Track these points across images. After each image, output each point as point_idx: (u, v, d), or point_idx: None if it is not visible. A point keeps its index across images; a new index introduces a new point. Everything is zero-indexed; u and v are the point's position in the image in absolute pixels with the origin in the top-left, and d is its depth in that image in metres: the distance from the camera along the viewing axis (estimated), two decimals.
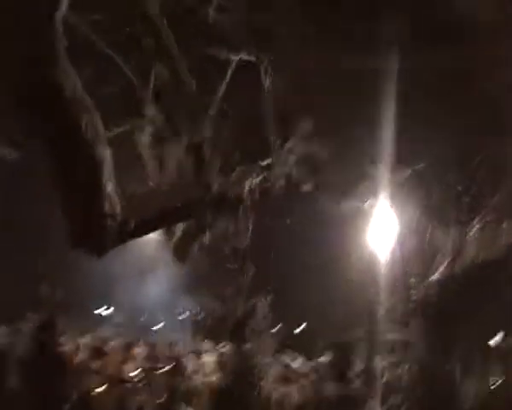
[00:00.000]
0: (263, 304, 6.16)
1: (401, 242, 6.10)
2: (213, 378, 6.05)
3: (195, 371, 6.46)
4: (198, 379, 6.22)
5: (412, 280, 5.88)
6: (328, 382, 7.97)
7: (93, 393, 7.39)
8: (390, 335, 8.26)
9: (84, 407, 6.99)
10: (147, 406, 8.21)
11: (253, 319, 6.12)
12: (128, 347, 10.55)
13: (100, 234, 3.49)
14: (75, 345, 10.94)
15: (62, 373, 5.65)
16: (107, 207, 3.44)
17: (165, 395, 6.89)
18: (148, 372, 8.76)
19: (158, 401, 7.67)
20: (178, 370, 8.68)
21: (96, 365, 9.30)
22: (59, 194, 3.33)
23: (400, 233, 6.22)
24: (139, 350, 9.90)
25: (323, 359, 8.43)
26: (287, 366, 8.77)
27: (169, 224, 5.26)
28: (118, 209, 3.57)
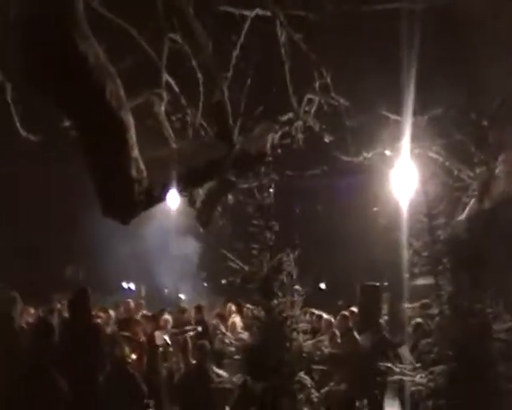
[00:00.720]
0: (289, 260, 6.21)
1: (426, 185, 6.13)
2: (243, 337, 6.17)
3: (224, 333, 6.61)
4: (227, 340, 6.35)
5: (439, 221, 5.89)
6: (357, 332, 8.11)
7: (126, 361, 7.61)
8: (418, 278, 8.37)
9: (117, 376, 7.20)
10: (178, 369, 8.47)
11: (280, 276, 6.17)
12: (157, 315, 10.84)
13: (127, 200, 3.54)
14: (106, 317, 11.28)
15: (96, 344, 5.78)
16: (133, 172, 3.47)
17: (196, 358, 7.06)
18: (178, 337, 9.01)
19: (188, 365, 7.89)
20: (207, 332, 8.89)
21: (126, 334, 9.59)
22: (86, 161, 3.36)
23: (424, 176, 6.25)
24: (167, 317, 10.16)
25: (352, 309, 8.57)
26: (317, 318, 8.92)
27: (193, 185, 5.30)
28: (144, 174, 3.60)
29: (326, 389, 6.14)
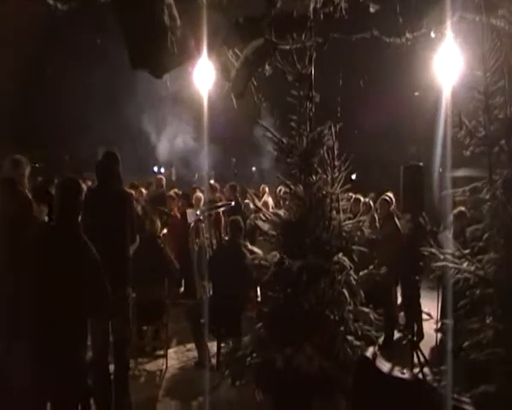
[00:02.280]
0: (330, 134, 5.74)
1: (485, 57, 5.48)
2: (280, 213, 5.86)
3: (260, 208, 6.30)
4: (263, 215, 6.04)
5: (498, 99, 5.31)
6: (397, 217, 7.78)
7: (156, 235, 7.51)
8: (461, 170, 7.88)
9: (148, 250, 7.11)
10: (210, 246, 8.36)
11: (320, 150, 5.75)
12: (190, 193, 10.68)
13: (159, 48, 3.13)
14: (137, 193, 11.21)
15: (125, 211, 5.49)
16: (166, 18, 2.98)
17: (229, 234, 6.88)
18: (210, 213, 8.83)
19: (221, 240, 7.79)
20: (240, 209, 8.67)
21: (161, 208, 9.49)
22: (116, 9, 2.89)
23: (483, 49, 5.59)
24: (200, 194, 9.97)
25: (391, 195, 8.20)
26: (355, 201, 8.60)
27: (230, 44, 4.78)
28: (177, 22, 3.10)
29: (365, 272, 5.87)
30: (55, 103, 24.84)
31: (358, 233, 5.93)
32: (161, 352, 7.28)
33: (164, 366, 7.04)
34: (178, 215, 9.74)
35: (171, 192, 11.21)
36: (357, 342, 5.63)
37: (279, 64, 6.00)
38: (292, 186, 5.78)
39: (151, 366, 7.09)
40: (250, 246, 6.29)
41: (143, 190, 12.47)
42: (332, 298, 5.47)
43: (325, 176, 5.76)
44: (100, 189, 5.28)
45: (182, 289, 9.55)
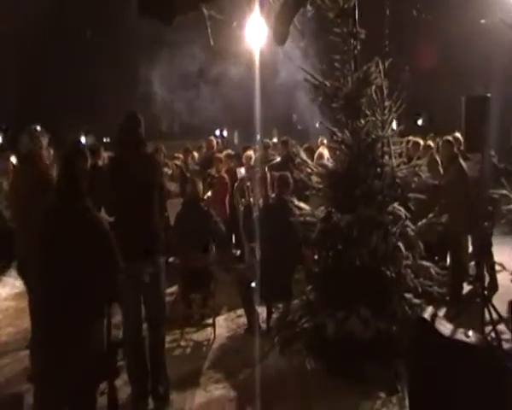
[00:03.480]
0: (378, 71, 5.13)
1: None
2: (327, 164, 5.33)
3: (306, 160, 5.76)
4: (309, 168, 5.52)
5: None
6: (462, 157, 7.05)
7: (198, 198, 7.16)
8: None
9: (190, 213, 6.78)
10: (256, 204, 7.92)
11: (368, 90, 5.15)
12: (241, 152, 10.28)
13: None
14: (187, 157, 10.91)
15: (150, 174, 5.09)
16: None
17: (276, 191, 6.41)
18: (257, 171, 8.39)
19: (267, 198, 7.34)
20: (287, 165, 8.15)
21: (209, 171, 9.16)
22: None
23: None
24: (250, 153, 9.53)
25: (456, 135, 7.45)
26: (414, 145, 7.92)
27: None
28: None
29: (424, 221, 5.27)
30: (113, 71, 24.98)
31: (415, 179, 5.33)
32: (210, 320, 6.96)
33: (212, 335, 6.71)
34: (225, 176, 9.36)
35: (224, 154, 10.89)
36: (417, 301, 5.09)
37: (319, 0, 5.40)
38: (338, 133, 5.23)
39: (198, 336, 6.77)
40: (297, 202, 5.77)
41: (195, 154, 12.16)
42: (386, 253, 4.91)
43: (374, 119, 5.17)
44: (123, 154, 4.87)
45: (238, 252, 9.21)
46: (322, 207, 5.41)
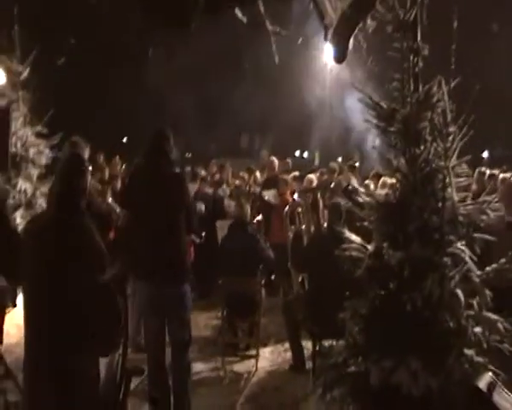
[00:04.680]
0: (441, 92, 4.55)
1: None
2: (374, 194, 4.78)
3: (356, 189, 5.23)
4: (360, 197, 4.99)
5: None
6: None
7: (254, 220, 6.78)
8: None
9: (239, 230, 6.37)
10: (307, 231, 7.43)
11: (429, 113, 4.58)
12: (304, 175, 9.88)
13: None
14: (249, 177, 10.64)
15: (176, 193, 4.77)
16: None
17: (327, 218, 5.94)
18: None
19: (319, 226, 6.87)
20: (338, 192, 7.63)
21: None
22: None
23: None
24: (311, 176, 9.07)
25: None
26: (489, 177, 7.17)
27: None
28: None
29: (493, 266, 4.59)
30: (200, 89, 25.34)
31: (483, 217, 4.67)
32: (254, 351, 6.56)
33: (254, 368, 6.30)
34: (289, 198, 8.95)
35: (291, 175, 10.51)
36: (480, 359, 4.41)
37: (377, 13, 4.90)
38: (393, 160, 4.68)
39: (239, 367, 6.39)
40: (348, 233, 5.25)
41: (258, 174, 11.88)
42: (441, 299, 4.29)
43: (436, 145, 4.57)
44: (145, 170, 4.61)
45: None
46: (373, 241, 4.87)
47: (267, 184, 10.13)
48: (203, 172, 10.95)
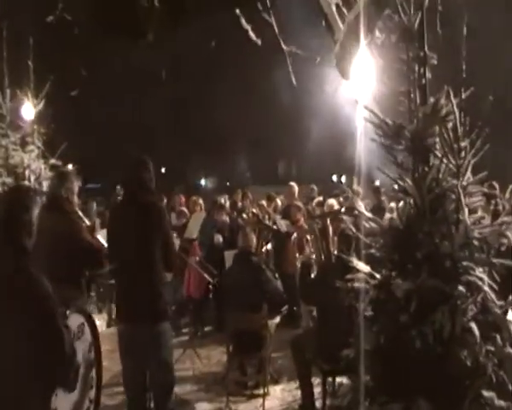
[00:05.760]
0: (450, 102, 4.14)
1: None
2: (377, 219, 4.35)
3: (362, 213, 4.81)
4: (367, 222, 4.57)
5: None
6: None
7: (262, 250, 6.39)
8: None
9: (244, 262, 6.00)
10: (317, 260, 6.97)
11: (438, 125, 4.17)
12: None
13: None
14: (269, 205, 10.31)
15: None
16: None
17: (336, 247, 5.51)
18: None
19: (328, 254, 6.44)
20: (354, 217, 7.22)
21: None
22: None
23: None
24: (332, 201, 8.67)
25: None
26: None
27: None
28: None
29: None
30: (234, 116, 25.36)
31: (503, 241, 4.22)
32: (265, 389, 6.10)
33: (261, 408, 5.84)
34: (305, 226, 8.55)
35: (315, 201, 10.16)
36: (502, 402, 3.88)
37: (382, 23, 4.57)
38: (399, 181, 4.27)
39: (246, 407, 5.94)
40: (356, 262, 4.82)
41: (278, 202, 11.53)
42: (452, 334, 3.81)
43: (447, 162, 4.15)
44: (122, 202, 4.36)
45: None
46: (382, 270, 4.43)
47: (286, 212, 9.77)
48: (222, 201, 10.65)
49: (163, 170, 34.68)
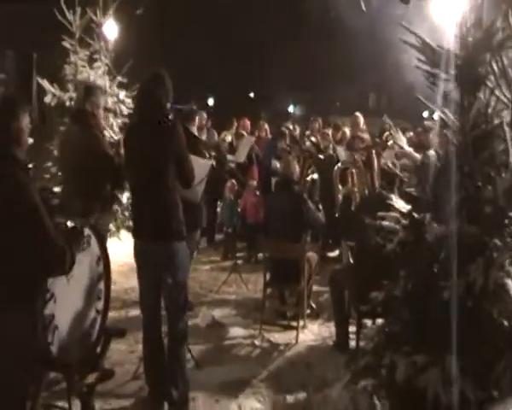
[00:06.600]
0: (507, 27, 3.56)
1: None
2: (414, 156, 3.91)
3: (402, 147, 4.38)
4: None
5: None
6: None
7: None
8: None
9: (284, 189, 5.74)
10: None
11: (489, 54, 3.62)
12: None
13: None
14: (335, 134, 10.03)
15: None
16: None
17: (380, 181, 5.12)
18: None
19: (372, 187, 6.03)
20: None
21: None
22: None
23: None
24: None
25: None
26: None
27: None
28: None
29: None
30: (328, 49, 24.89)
31: None
32: (301, 322, 5.99)
33: (294, 341, 5.74)
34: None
35: (385, 134, 9.68)
36: None
37: None
38: (442, 115, 3.80)
39: (278, 338, 5.87)
40: (395, 199, 4.45)
41: (347, 130, 11.04)
42: (485, 289, 3.44)
43: (499, 94, 3.63)
44: (137, 121, 4.21)
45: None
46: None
47: (350, 143, 9.35)
48: (285, 129, 10.32)
49: (251, 95, 34.53)
